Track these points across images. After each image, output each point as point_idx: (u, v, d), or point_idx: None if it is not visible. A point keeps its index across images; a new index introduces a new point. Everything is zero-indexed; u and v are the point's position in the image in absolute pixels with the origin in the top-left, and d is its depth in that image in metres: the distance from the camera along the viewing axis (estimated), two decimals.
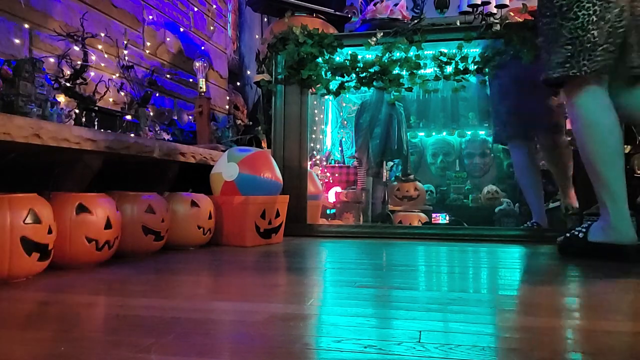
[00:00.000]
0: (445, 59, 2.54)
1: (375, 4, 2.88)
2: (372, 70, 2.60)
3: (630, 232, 1.64)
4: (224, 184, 2.07)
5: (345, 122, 4.58)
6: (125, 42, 2.67)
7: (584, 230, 1.77)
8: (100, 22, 2.51)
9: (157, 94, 2.90)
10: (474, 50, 2.59)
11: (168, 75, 3.09)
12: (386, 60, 2.56)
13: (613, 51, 1.62)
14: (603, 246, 1.67)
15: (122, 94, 2.53)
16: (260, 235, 2.07)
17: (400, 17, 2.81)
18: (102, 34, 2.46)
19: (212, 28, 3.74)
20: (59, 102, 1.90)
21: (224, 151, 2.34)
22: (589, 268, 1.55)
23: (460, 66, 2.53)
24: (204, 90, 2.96)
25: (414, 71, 2.55)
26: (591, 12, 1.59)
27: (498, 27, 2.43)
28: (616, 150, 1.62)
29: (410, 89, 2.65)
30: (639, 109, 1.70)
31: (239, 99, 3.79)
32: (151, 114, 2.58)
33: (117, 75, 2.57)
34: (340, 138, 4.52)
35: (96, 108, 2.18)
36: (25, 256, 1.18)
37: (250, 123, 3.46)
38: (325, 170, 3.89)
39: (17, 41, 2.03)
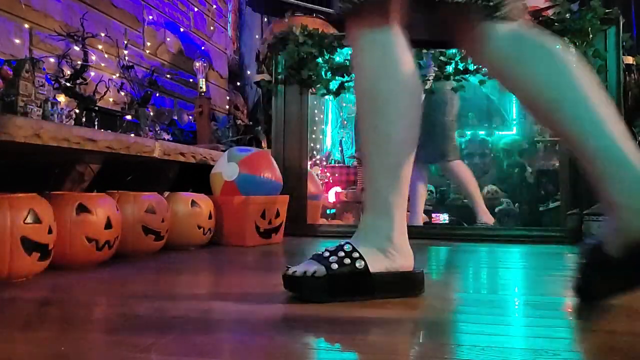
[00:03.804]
0: (445, 59, 2.54)
1: None
2: None
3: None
4: (224, 184, 2.07)
5: (345, 122, 4.58)
6: (125, 42, 2.67)
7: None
8: (100, 22, 2.51)
9: (157, 94, 2.90)
10: None
11: (168, 75, 3.09)
12: None
13: None
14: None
15: (122, 94, 2.53)
16: (260, 235, 2.07)
17: None
18: (102, 34, 2.46)
19: (212, 28, 3.74)
20: (59, 102, 1.90)
21: (224, 151, 2.34)
22: None
23: (460, 66, 2.53)
24: (204, 90, 2.96)
25: None
26: None
27: None
28: (393, 132, 1.04)
29: None
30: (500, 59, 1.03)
31: (239, 99, 3.79)
32: (151, 114, 2.58)
33: (117, 75, 2.57)
34: (340, 138, 4.52)
35: (96, 108, 2.18)
36: (26, 256, 1.18)
37: (250, 123, 3.46)
38: (325, 170, 3.89)
39: (17, 41, 2.03)
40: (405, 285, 1.05)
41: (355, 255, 1.01)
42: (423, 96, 2.28)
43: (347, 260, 1.01)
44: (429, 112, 2.81)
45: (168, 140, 2.50)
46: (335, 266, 1.00)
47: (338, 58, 2.66)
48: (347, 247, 1.03)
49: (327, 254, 1.03)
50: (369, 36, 1.05)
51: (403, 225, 1.05)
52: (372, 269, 1.01)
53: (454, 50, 2.54)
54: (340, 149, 4.39)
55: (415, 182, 2.89)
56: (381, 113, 1.04)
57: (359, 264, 1.00)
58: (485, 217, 2.96)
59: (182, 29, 3.31)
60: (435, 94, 2.74)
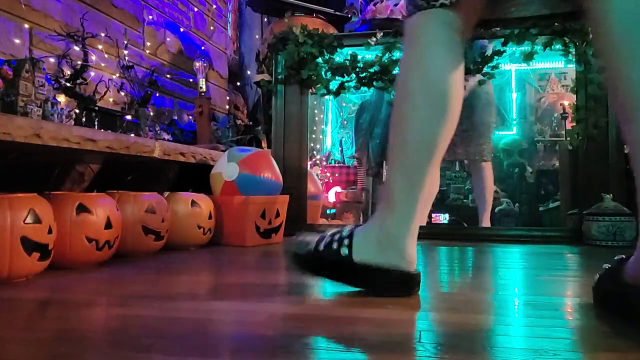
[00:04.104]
0: None
1: (375, 4, 2.88)
2: (372, 70, 2.59)
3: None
4: (224, 183, 2.07)
5: (345, 122, 4.58)
6: (125, 42, 2.67)
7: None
8: (100, 22, 2.51)
9: (157, 94, 2.90)
10: None
11: (168, 75, 3.09)
12: (386, 60, 2.56)
13: None
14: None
15: (122, 94, 2.53)
16: (260, 235, 2.07)
17: (400, 17, 2.81)
18: (102, 34, 2.46)
19: (212, 28, 3.74)
20: (59, 102, 1.90)
21: (224, 151, 2.34)
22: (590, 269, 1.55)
23: None
24: (204, 90, 2.96)
25: None
26: None
27: (498, 27, 2.42)
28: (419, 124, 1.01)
29: None
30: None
31: (239, 99, 3.79)
32: (151, 114, 2.58)
33: (117, 75, 2.57)
34: (340, 138, 4.52)
35: (96, 108, 2.18)
36: (26, 256, 1.18)
37: (250, 123, 3.46)
38: (325, 170, 3.89)
39: (17, 41, 2.03)
40: (395, 283, 1.03)
41: (346, 242, 1.03)
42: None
43: (335, 245, 1.04)
44: (476, 111, 2.85)
45: (168, 140, 2.50)
46: (321, 247, 1.05)
47: (338, 58, 2.66)
48: (345, 232, 1.05)
49: (328, 232, 1.07)
50: (419, 35, 1.03)
51: (410, 227, 1.03)
52: (356, 259, 1.02)
53: None
54: (340, 149, 4.40)
55: None
56: (407, 118, 1.02)
57: (343, 251, 1.03)
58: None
59: (182, 29, 3.31)
60: (483, 94, 2.80)
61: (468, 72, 2.54)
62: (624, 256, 0.90)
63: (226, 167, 2.09)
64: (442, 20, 1.01)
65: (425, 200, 1.05)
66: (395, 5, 2.87)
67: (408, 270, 1.04)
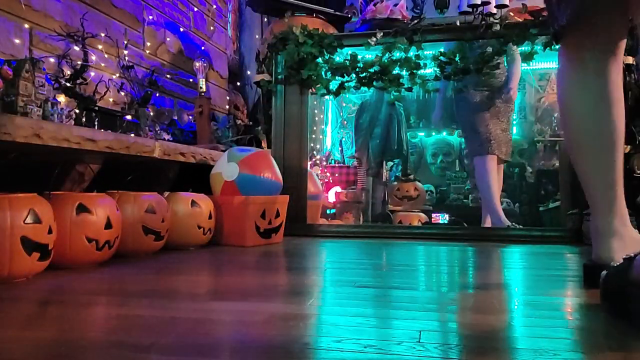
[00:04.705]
0: (445, 59, 2.54)
1: (375, 4, 2.88)
2: (372, 70, 2.59)
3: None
4: (224, 184, 2.08)
5: (345, 122, 4.58)
6: (125, 42, 2.67)
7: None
8: (100, 22, 2.51)
9: (157, 94, 2.90)
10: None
11: (168, 75, 3.09)
12: (386, 60, 2.56)
13: None
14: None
15: (122, 94, 2.53)
16: (260, 235, 2.07)
17: (400, 17, 2.81)
18: (102, 34, 2.46)
19: (212, 28, 3.74)
20: (59, 102, 1.89)
21: (224, 151, 2.34)
22: None
23: (460, 66, 2.53)
24: (204, 90, 2.95)
25: (414, 71, 2.55)
26: None
27: (498, 27, 2.43)
28: (592, 141, 1.16)
29: (410, 89, 2.65)
30: None
31: (239, 99, 3.78)
32: (151, 114, 2.58)
33: (117, 75, 2.57)
34: (340, 138, 4.53)
35: (96, 108, 2.18)
36: (26, 256, 1.18)
37: (250, 123, 3.46)
38: (325, 170, 3.89)
39: (17, 41, 2.03)
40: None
41: None
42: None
43: None
44: (510, 114, 2.91)
45: (168, 140, 2.50)
46: None
47: (338, 58, 2.66)
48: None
49: None
50: (571, 63, 1.14)
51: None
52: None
53: (454, 50, 2.54)
54: (340, 149, 4.40)
55: (494, 179, 2.91)
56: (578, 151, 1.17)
57: None
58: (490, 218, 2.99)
59: (182, 29, 3.31)
60: (515, 97, 2.88)
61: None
62: (632, 254, 0.91)
63: (226, 167, 2.09)
64: (570, 45, 1.12)
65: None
66: (395, 5, 2.86)
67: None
